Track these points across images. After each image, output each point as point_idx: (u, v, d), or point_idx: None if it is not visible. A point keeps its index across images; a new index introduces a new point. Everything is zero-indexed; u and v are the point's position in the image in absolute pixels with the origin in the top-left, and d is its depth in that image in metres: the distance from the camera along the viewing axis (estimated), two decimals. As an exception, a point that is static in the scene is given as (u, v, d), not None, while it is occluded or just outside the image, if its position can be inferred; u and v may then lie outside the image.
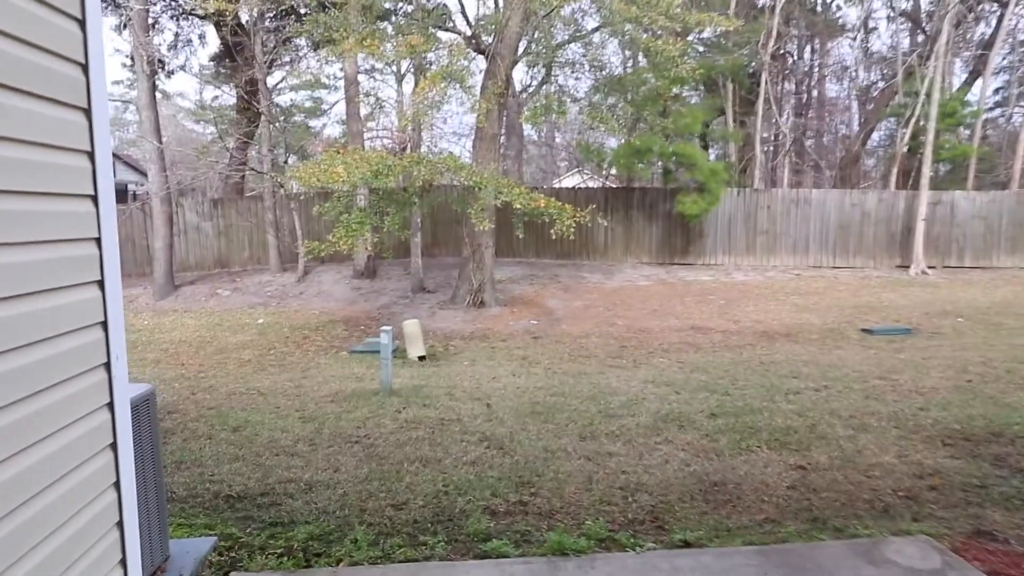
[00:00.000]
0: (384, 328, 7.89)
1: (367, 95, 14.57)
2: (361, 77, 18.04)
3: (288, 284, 16.65)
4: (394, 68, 19.66)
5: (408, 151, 14.29)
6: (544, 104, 12.41)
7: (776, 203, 18.91)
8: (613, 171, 27.03)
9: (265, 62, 16.71)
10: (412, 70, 16.28)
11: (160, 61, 25.50)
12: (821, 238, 18.79)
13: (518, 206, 10.72)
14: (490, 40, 12.84)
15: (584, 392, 7.83)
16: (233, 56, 21.52)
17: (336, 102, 30.55)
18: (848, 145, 25.03)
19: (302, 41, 23.25)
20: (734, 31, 16.12)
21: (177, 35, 25.62)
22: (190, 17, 25.68)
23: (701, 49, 17.90)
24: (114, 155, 33.52)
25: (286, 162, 17.92)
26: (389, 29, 11.90)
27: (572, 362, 9.94)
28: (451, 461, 5.35)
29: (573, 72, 13.34)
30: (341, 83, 18.28)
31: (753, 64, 19.65)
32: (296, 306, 15.22)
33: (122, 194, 18.87)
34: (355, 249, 11.53)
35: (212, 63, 26.42)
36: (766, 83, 19.64)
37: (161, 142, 16.01)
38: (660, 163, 18.61)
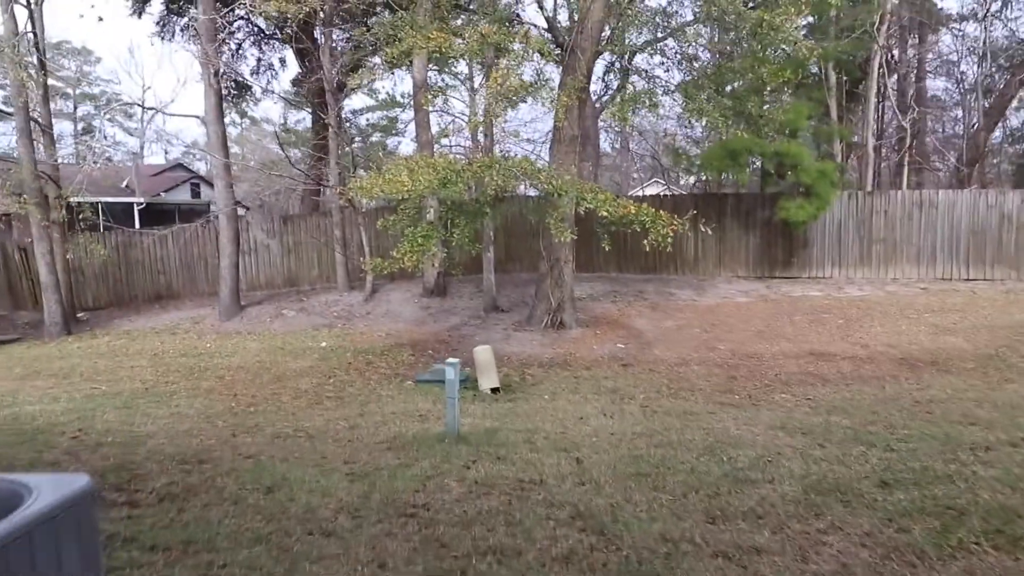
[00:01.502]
0: (450, 361, 6.60)
1: (435, 94, 13.50)
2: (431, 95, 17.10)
3: (355, 303, 15.78)
4: (466, 85, 18.78)
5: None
6: (631, 97, 10.91)
7: (895, 207, 16.59)
8: (700, 177, 25.14)
9: (335, 73, 16.02)
10: (484, 81, 15.19)
11: (245, 86, 25.79)
12: (950, 246, 16.30)
13: (604, 214, 9.28)
14: (568, 29, 11.51)
15: (697, 442, 6.25)
16: (307, 71, 21.22)
17: (410, 120, 30.14)
18: (973, 142, 22.16)
19: (377, 60, 22.89)
20: (842, 15, 14.18)
21: (259, 60, 25.84)
22: (271, 41, 25.91)
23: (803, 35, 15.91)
24: (200, 177, 34.27)
25: (353, 176, 17.14)
26: (459, 22, 10.77)
27: (673, 398, 8.35)
28: (535, 555, 3.93)
29: (664, 63, 11.82)
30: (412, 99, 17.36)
31: (860, 53, 17.45)
32: (362, 327, 14.26)
33: (188, 213, 18.71)
34: (422, 266, 10.40)
35: (293, 87, 26.52)
36: (879, 72, 17.37)
37: (227, 156, 15.52)
38: (758, 165, 16.70)
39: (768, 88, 11.99)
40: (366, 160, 21.03)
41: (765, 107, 12.80)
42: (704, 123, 10.78)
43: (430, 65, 15.44)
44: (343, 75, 15.68)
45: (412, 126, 30.12)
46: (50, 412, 8.31)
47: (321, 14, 14.92)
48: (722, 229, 16.98)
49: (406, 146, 32.18)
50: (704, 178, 24.19)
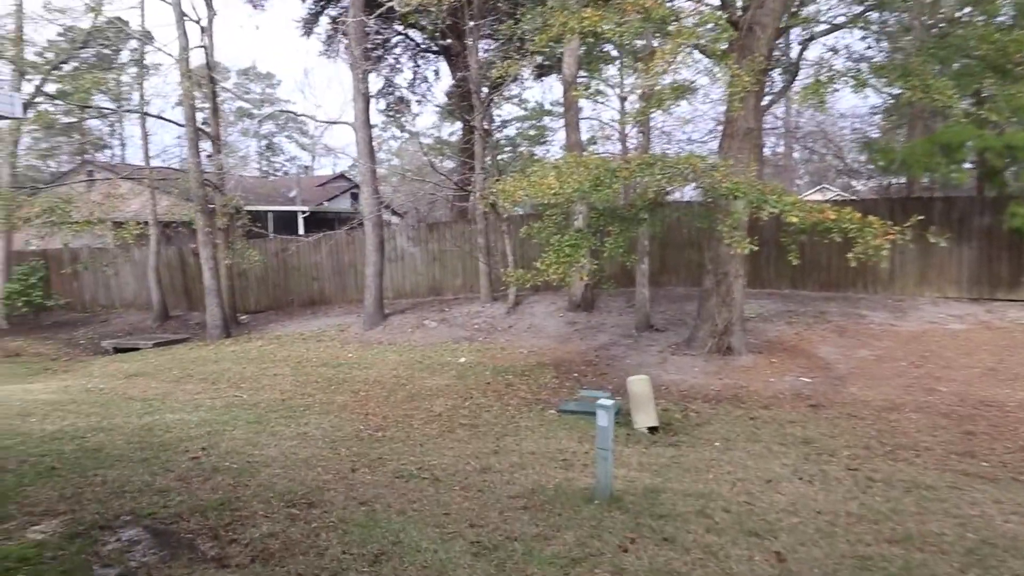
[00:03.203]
0: (603, 402, 5.28)
1: (586, 86, 12.27)
2: (584, 103, 15.96)
3: (497, 316, 14.92)
4: (616, 91, 17.49)
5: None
6: (829, 77, 8.91)
7: None
8: (887, 180, 21.68)
9: (480, 74, 15.36)
10: (638, 77, 13.75)
11: (404, 100, 26.39)
12: None
13: (793, 220, 7.49)
14: (744, 7, 9.78)
15: (951, 540, 4.43)
16: (458, 80, 21.00)
17: (559, 129, 29.28)
18: None
19: (526, 72, 22.24)
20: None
21: (415, 73, 26.29)
22: (426, 55, 26.28)
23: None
24: (359, 186, 35.76)
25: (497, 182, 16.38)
26: None
27: (891, 459, 6.41)
28: None
29: (866, 35, 9.66)
30: (562, 108, 16.29)
31: None
32: (503, 342, 13.32)
33: (347, 221, 19.00)
34: (568, 278, 9.20)
35: (446, 98, 26.73)
36: None
37: (374, 162, 15.36)
38: (976, 162, 13.67)
39: (1010, 64, 9.39)
40: (513, 167, 20.34)
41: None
42: (934, 104, 8.47)
43: (579, 73, 14.26)
44: (488, 73, 14.95)
45: (560, 135, 29.25)
46: (185, 423, 8.09)
47: (469, 11, 14.31)
48: (925, 240, 14.08)
49: (554, 155, 31.43)
50: (891, 182, 20.81)
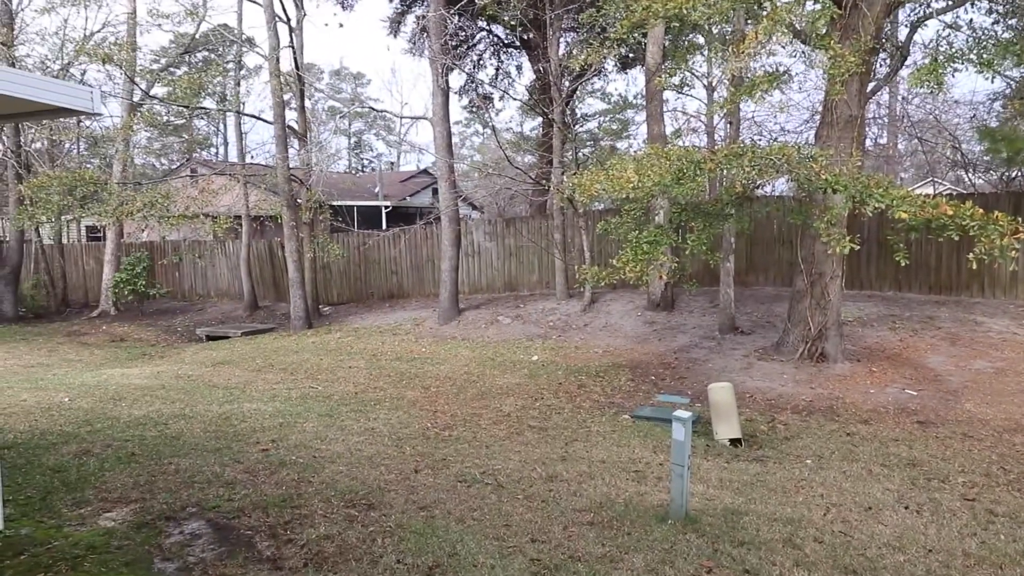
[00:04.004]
0: (679, 413, 4.84)
1: (671, 72, 11.62)
2: (668, 95, 15.21)
3: (573, 313, 14.55)
4: (704, 81, 16.66)
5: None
6: (948, 55, 7.94)
7: None
8: (1004, 174, 19.63)
9: (561, 65, 14.99)
10: (726, 77, 13.01)
11: (487, 97, 26.42)
12: None
13: (903, 216, 6.71)
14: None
15: (1099, 596, 3.74)
16: (539, 74, 20.70)
17: (642, 122, 28.48)
18: None
19: (609, 64, 21.62)
20: None
21: (498, 68, 26.24)
22: (508, 50, 26.17)
23: None
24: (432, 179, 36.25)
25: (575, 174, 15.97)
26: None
27: (1015, 490, 5.60)
28: None
29: (992, 7, 8.54)
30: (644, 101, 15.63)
31: None
32: (578, 341, 12.94)
33: (428, 215, 19.12)
34: (647, 277, 8.72)
35: (528, 94, 26.52)
36: None
37: (452, 157, 15.30)
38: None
39: None
40: (594, 161, 19.86)
41: None
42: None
43: (664, 64, 13.58)
44: (568, 65, 14.54)
45: (643, 129, 28.45)
46: (260, 413, 8.23)
47: (550, 1, 13.96)
48: (1059, 239, 12.54)
49: (636, 149, 30.65)
50: (1015, 174, 18.78)
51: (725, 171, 7.84)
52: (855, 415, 8.01)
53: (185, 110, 21.51)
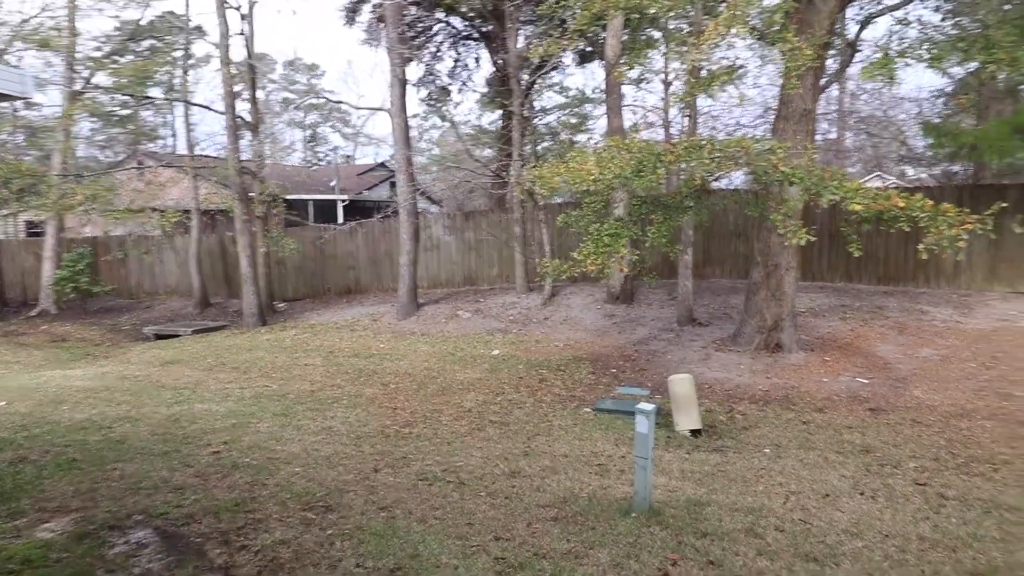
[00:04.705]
0: (643, 406, 4.82)
1: (631, 65, 11.65)
2: (625, 90, 15.20)
3: (533, 307, 14.51)
4: (661, 76, 16.80)
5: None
6: (900, 49, 8.13)
7: None
8: (948, 167, 20.39)
9: (519, 56, 14.88)
10: (684, 71, 13.08)
11: (445, 89, 26.05)
12: None
13: (857, 208, 6.84)
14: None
15: (1046, 576, 3.85)
16: (499, 66, 20.54)
17: (600, 116, 28.50)
18: None
19: (567, 58, 21.55)
20: None
21: (456, 61, 25.88)
22: (466, 42, 25.86)
23: None
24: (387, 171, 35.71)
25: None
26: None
27: (964, 473, 5.77)
28: None
29: (939, 5, 8.78)
30: (604, 94, 15.59)
31: None
32: (538, 335, 12.91)
33: (386, 210, 18.77)
34: (608, 270, 8.71)
35: (487, 86, 26.26)
36: None
37: (409, 149, 15.06)
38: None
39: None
40: (554, 154, 19.83)
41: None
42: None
43: (622, 58, 13.57)
44: (527, 56, 14.44)
45: (600, 123, 28.50)
46: (212, 414, 7.94)
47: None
48: (998, 230, 13.07)
49: (595, 142, 30.76)
50: (957, 169, 19.51)
51: (685, 164, 7.86)
52: (810, 404, 8.17)
53: (131, 99, 20.64)
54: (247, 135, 16.42)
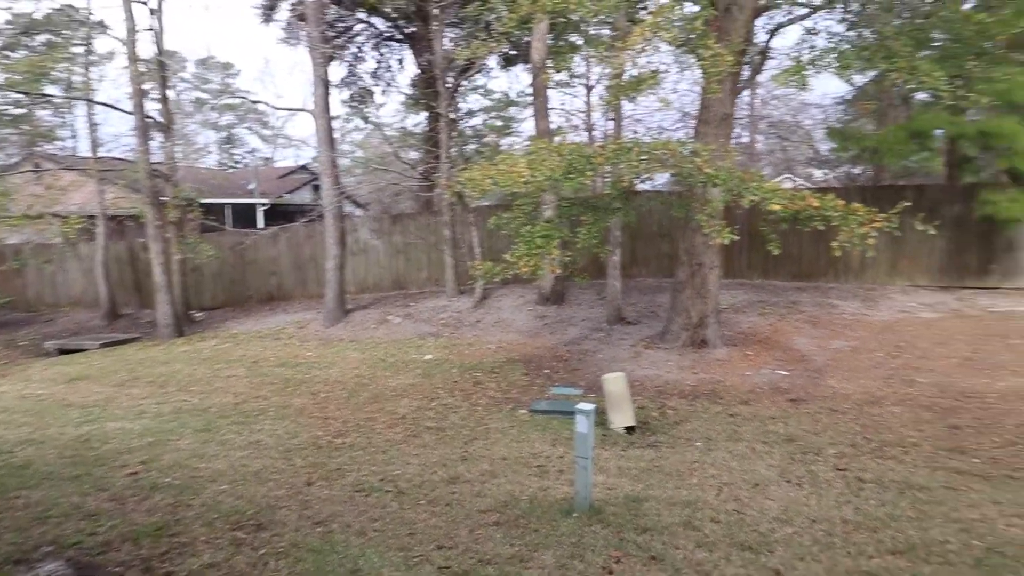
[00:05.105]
0: (583, 406, 4.85)
1: (559, 68, 11.81)
2: (550, 93, 15.35)
3: (464, 310, 14.43)
4: (584, 80, 17.13)
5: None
6: (811, 57, 8.61)
7: None
8: (852, 169, 21.77)
9: (446, 57, 14.78)
10: (605, 76, 13.37)
11: (368, 91, 25.49)
12: None
13: (776, 208, 7.17)
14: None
15: (956, 548, 4.13)
16: (423, 67, 20.31)
17: (524, 119, 28.67)
18: None
19: (492, 61, 21.55)
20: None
21: (379, 62, 25.39)
22: (389, 43, 25.44)
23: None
24: (312, 173, 34.76)
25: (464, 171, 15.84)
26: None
27: (879, 457, 6.13)
28: None
29: (845, 19, 9.34)
30: (531, 98, 15.66)
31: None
32: (470, 338, 12.85)
33: (309, 213, 18.18)
34: (540, 271, 8.75)
35: (411, 87, 25.87)
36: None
37: (334, 151, 14.67)
38: (947, 150, 13.61)
39: (985, 44, 9.21)
40: (479, 157, 19.82)
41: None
42: (923, 87, 8.22)
43: (548, 62, 13.71)
44: (454, 58, 14.35)
45: (526, 126, 28.69)
46: (127, 433, 7.45)
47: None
48: (900, 228, 14.00)
49: (521, 145, 30.96)
50: (860, 170, 20.86)
51: (613, 165, 8.00)
52: (736, 397, 8.48)
53: (24, 97, 19.16)
54: (158, 136, 15.54)
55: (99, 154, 17.43)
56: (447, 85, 14.93)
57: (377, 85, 24.83)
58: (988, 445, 6.36)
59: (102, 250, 16.94)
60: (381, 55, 25.46)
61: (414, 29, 20.85)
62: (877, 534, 4.39)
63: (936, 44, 9.62)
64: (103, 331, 16.53)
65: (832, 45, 9.15)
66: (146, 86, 14.83)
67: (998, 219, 12.00)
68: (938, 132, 12.44)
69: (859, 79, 14.45)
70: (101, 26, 23.50)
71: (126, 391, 10.07)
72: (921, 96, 12.69)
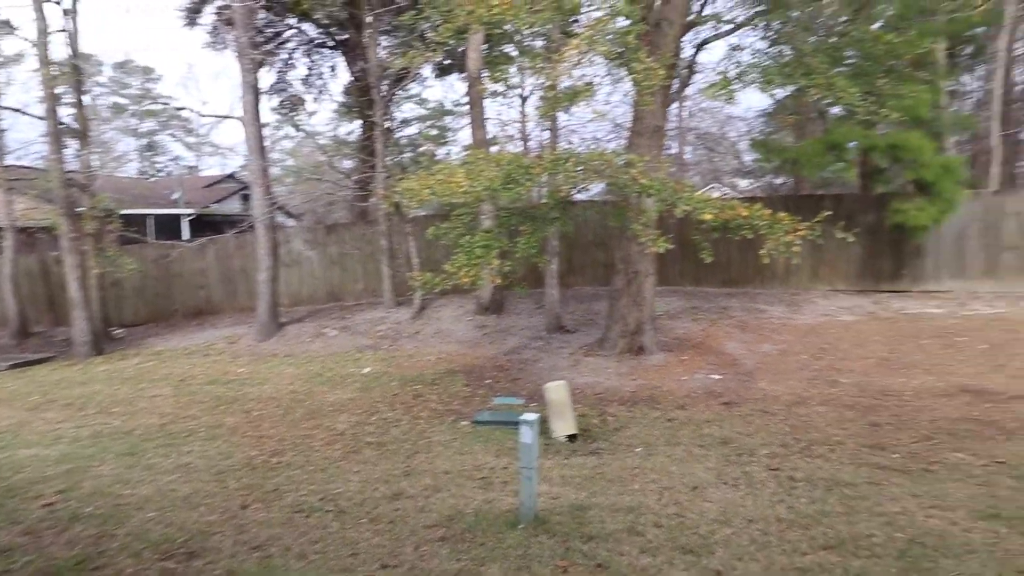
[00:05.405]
0: (527, 416, 4.87)
1: (496, 78, 11.88)
2: (485, 103, 15.41)
3: (402, 321, 14.25)
4: (519, 90, 17.29)
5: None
6: (737, 72, 8.99)
7: (1031, 209, 14.07)
8: (775, 179, 22.81)
9: (381, 65, 14.62)
10: (540, 87, 13.51)
11: (299, 99, 24.84)
12: (1101, 253, 13.69)
13: (707, 217, 7.42)
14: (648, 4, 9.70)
15: (881, 541, 4.35)
16: (357, 75, 20.00)
17: (460, 128, 28.64)
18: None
19: (427, 70, 21.45)
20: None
21: (310, 69, 24.81)
22: (320, 50, 24.93)
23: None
24: (242, 183, 33.68)
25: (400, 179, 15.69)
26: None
27: (808, 456, 6.40)
28: None
29: (768, 36, 9.83)
30: (467, 107, 15.67)
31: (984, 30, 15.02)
32: (410, 349, 12.69)
33: (238, 224, 17.59)
34: (480, 281, 8.75)
35: (344, 95, 25.37)
36: (1009, 51, 14.86)
37: (264, 159, 14.26)
38: (861, 161, 14.43)
39: (893, 63, 9.86)
40: (415, 167, 19.67)
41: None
42: (837, 104, 8.73)
43: (483, 73, 13.76)
44: (388, 67, 14.24)
45: (461, 135, 28.68)
46: (42, 460, 6.97)
47: (368, 2, 13.55)
48: (821, 236, 14.74)
49: (456, 155, 30.95)
50: (781, 181, 21.88)
51: (550, 176, 8.09)
52: (672, 402, 8.70)
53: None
54: (73, 143, 14.71)
55: (6, 162, 16.35)
56: (382, 94, 14.77)
57: (309, 92, 24.31)
58: (906, 440, 6.74)
59: (10, 264, 15.85)
60: (313, 62, 24.94)
61: (347, 36, 20.55)
62: (809, 531, 4.58)
63: (850, 62, 10.21)
64: (12, 351, 15.44)
65: (755, 61, 9.61)
66: (59, 90, 14.01)
67: (907, 227, 12.81)
68: (852, 144, 13.18)
69: (780, 93, 15.17)
70: (7, 25, 22.12)
71: (40, 415, 9.43)
72: (836, 110, 13.40)
